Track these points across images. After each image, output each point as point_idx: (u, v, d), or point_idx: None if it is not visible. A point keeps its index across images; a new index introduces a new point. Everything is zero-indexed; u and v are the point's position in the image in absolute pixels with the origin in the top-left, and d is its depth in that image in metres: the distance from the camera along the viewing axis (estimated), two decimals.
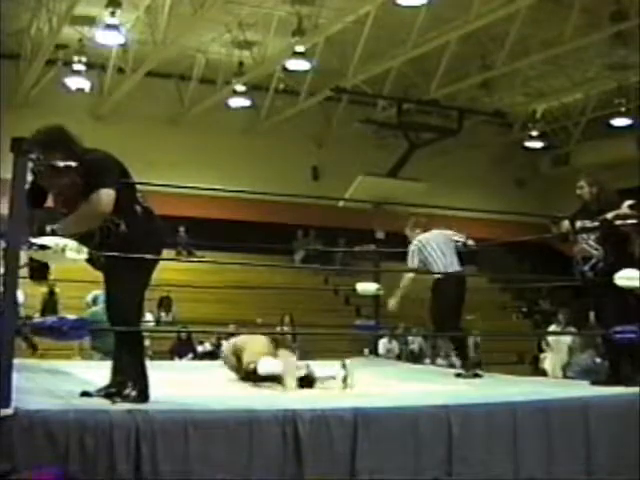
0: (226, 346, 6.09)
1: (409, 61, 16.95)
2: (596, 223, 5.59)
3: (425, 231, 7.29)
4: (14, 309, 3.52)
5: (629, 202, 5.47)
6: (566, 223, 5.89)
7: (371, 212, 16.71)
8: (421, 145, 20.34)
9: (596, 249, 5.57)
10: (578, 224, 5.76)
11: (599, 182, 5.76)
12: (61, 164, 3.81)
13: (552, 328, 12.80)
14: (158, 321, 15.33)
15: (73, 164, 3.85)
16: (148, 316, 15.10)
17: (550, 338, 12.99)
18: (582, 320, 11.35)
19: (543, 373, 12.17)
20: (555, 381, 7.52)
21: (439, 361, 15.18)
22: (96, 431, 3.36)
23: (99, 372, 4.55)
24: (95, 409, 3.58)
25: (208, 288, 13.58)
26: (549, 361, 12.16)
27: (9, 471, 3.16)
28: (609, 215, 5.50)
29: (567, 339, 11.74)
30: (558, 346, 11.83)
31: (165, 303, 15.81)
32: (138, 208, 4.14)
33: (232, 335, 5.94)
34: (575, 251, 5.71)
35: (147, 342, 14.07)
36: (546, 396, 4.65)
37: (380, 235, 17.68)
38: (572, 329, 11.71)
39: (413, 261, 7.05)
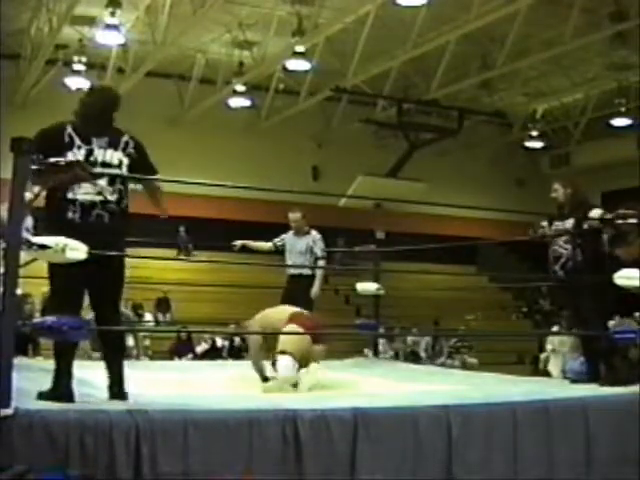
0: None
1: (409, 61, 16.94)
2: (568, 224, 5.72)
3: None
4: (14, 309, 3.52)
5: (599, 210, 5.58)
6: (544, 224, 6.02)
7: (371, 212, 16.72)
8: (421, 145, 20.34)
9: (565, 248, 5.68)
10: (553, 227, 5.91)
11: (573, 184, 5.93)
12: (62, 162, 3.81)
13: (556, 329, 12.79)
14: (157, 321, 15.33)
15: (74, 159, 3.85)
16: (147, 316, 15.12)
17: (554, 339, 12.94)
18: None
19: (545, 374, 12.13)
20: (555, 381, 7.52)
21: (439, 361, 15.20)
22: (96, 431, 3.35)
23: (99, 372, 4.55)
24: (95, 409, 3.58)
25: (207, 286, 13.59)
26: (553, 363, 12.12)
27: (23, 473, 3.16)
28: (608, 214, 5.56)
29: (570, 340, 11.69)
30: (562, 347, 11.80)
31: (163, 304, 15.81)
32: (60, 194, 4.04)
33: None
34: (549, 252, 5.83)
35: (147, 342, 14.13)
36: (546, 396, 4.65)
37: (380, 235, 17.69)
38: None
39: (321, 249, 7.69)
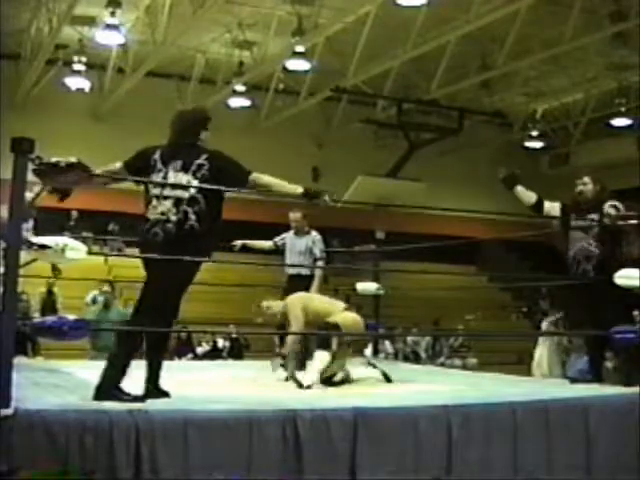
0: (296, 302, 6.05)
1: (409, 61, 16.95)
2: (589, 221, 5.67)
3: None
4: (14, 309, 3.52)
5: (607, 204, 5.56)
6: (556, 206, 5.97)
7: (371, 212, 16.66)
8: (421, 145, 20.34)
9: (596, 247, 5.59)
10: (572, 222, 5.82)
11: (601, 181, 5.84)
12: (63, 163, 3.82)
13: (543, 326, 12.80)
14: None
15: (74, 160, 3.87)
16: None
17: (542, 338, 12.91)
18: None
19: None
20: (555, 381, 7.52)
21: (439, 361, 15.20)
22: (96, 431, 3.35)
23: (99, 372, 4.54)
24: (95, 409, 3.58)
25: (206, 286, 13.56)
26: (545, 362, 12.07)
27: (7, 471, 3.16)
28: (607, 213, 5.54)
29: (560, 339, 11.67)
30: (551, 346, 11.75)
31: None
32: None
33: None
34: (575, 250, 5.72)
35: None
36: (546, 396, 4.65)
37: (380, 235, 17.68)
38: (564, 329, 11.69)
39: (320, 250, 7.71)
